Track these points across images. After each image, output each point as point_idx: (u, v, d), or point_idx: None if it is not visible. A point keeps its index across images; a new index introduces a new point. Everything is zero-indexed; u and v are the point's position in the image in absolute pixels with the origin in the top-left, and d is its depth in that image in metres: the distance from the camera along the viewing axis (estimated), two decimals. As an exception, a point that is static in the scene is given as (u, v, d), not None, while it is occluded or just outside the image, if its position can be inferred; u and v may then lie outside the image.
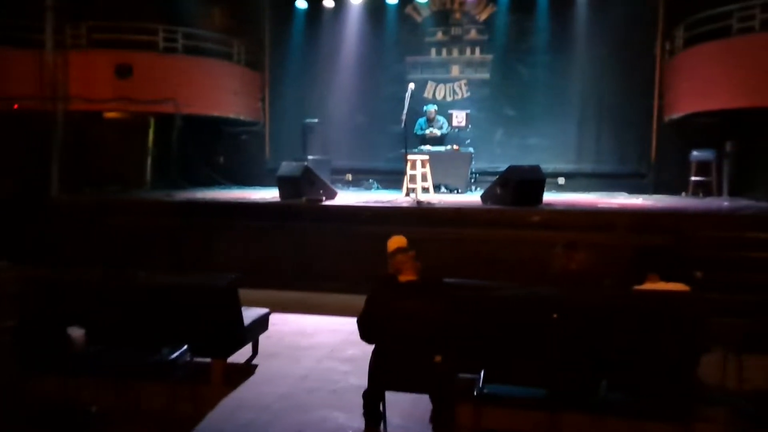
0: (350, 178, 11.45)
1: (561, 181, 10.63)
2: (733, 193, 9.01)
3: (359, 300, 3.75)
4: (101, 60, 9.78)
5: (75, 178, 9.29)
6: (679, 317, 3.59)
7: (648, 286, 3.90)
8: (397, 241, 3.96)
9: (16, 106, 9.33)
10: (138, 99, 9.70)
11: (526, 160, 9.78)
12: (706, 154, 9.29)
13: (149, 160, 10.39)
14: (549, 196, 8.36)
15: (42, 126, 9.29)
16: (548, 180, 8.21)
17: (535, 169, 7.87)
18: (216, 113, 10.66)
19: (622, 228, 6.74)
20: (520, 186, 7.53)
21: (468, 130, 10.18)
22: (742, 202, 8.13)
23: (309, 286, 7.05)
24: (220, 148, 11.69)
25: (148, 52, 9.98)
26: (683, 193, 9.60)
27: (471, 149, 10.02)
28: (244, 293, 4.46)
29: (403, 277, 3.70)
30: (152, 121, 10.38)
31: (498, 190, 7.84)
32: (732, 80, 8.41)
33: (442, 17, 11.40)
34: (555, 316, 3.59)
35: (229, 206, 8.24)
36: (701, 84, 8.89)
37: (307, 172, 8.28)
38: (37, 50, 9.46)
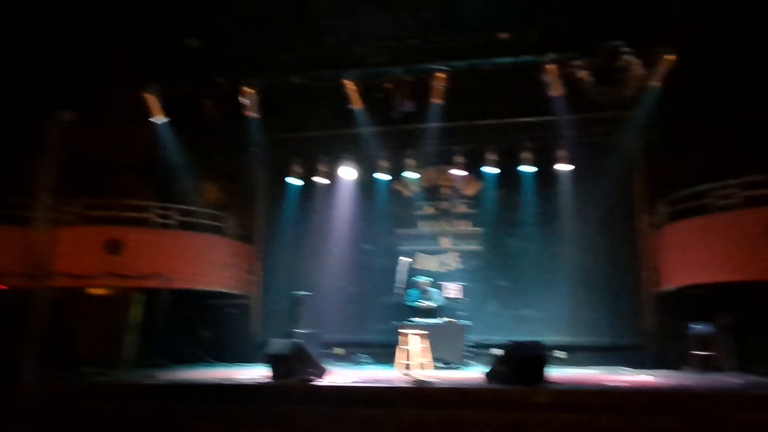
0: (340, 352, 11.00)
1: (562, 354, 10.20)
2: (738, 368, 8.75)
3: None
4: (91, 236, 9.70)
5: (49, 360, 8.73)
6: None
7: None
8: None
9: (3, 287, 9.01)
10: (125, 274, 9.51)
11: (521, 333, 9.62)
12: (706, 327, 9.14)
13: (130, 338, 9.92)
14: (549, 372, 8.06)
15: (20, 304, 8.93)
16: (546, 354, 7.92)
17: (538, 345, 7.68)
18: (204, 287, 10.47)
19: (634, 409, 6.41)
20: (522, 363, 7.31)
21: (461, 301, 10.06)
22: (752, 379, 7.84)
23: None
24: (206, 322, 11.27)
25: (139, 227, 9.96)
26: (685, 368, 9.31)
27: (466, 322, 9.81)
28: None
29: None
30: (136, 297, 10.09)
31: (500, 368, 7.60)
32: (720, 254, 8.58)
33: (431, 192, 11.77)
34: None
35: (216, 388, 7.68)
36: (691, 257, 9.05)
37: (299, 349, 7.97)
38: (25, 227, 9.30)
